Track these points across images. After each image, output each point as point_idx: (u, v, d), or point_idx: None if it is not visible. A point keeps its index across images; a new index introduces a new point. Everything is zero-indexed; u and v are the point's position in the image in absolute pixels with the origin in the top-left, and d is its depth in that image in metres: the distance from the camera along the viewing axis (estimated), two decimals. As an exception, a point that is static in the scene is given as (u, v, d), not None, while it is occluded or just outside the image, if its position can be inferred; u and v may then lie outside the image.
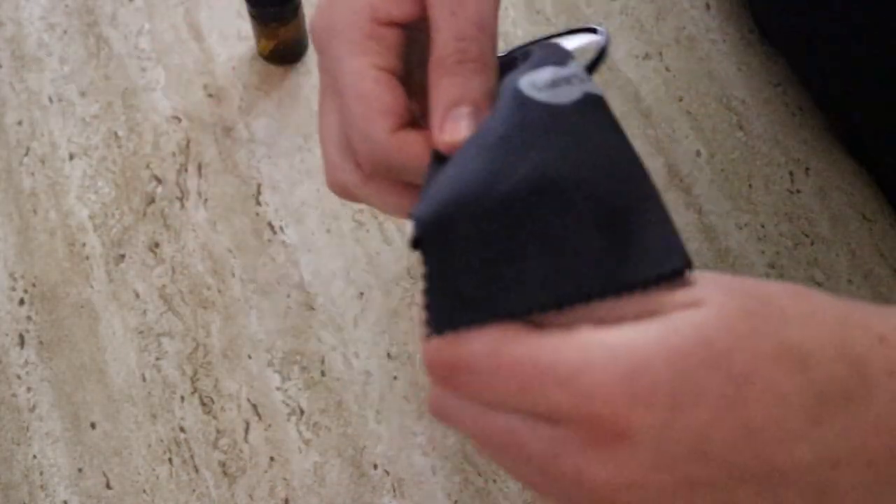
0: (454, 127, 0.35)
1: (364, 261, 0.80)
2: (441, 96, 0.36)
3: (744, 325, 0.27)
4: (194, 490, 0.73)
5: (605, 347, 0.28)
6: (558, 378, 0.28)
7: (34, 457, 0.74)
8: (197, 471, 0.73)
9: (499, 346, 0.29)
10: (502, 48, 0.40)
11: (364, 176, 0.42)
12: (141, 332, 0.78)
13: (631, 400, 0.27)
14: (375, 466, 0.73)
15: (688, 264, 0.31)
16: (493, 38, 0.38)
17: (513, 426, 0.29)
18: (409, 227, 0.83)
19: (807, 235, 0.82)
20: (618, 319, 0.29)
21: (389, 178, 0.41)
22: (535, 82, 0.34)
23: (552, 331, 0.29)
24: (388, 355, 0.77)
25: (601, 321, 0.29)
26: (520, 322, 0.29)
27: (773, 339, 0.28)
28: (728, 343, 0.27)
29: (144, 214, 0.82)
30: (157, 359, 0.77)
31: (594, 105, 0.34)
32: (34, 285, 0.80)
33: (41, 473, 0.73)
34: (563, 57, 0.36)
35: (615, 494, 0.28)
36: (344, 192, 0.44)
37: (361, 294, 0.79)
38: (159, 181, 0.84)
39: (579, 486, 0.29)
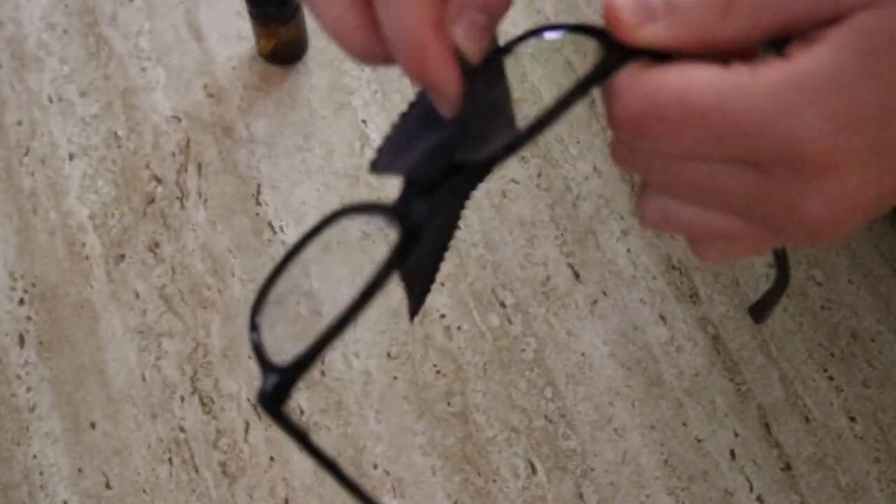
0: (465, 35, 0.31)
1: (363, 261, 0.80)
2: None
3: None
4: (194, 490, 0.73)
5: (794, 86, 0.26)
6: (757, 126, 0.26)
7: (34, 457, 0.74)
8: (197, 471, 0.73)
9: (686, 96, 0.27)
10: (511, 60, 0.38)
11: None
12: (141, 332, 0.78)
13: (838, 132, 0.26)
14: (375, 466, 0.73)
15: None
16: None
17: (712, 173, 0.28)
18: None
19: (807, 235, 0.82)
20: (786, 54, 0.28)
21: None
22: None
23: (737, 70, 0.27)
24: (388, 355, 0.77)
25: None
26: (705, 61, 0.28)
27: None
28: None
29: (144, 214, 0.82)
30: (157, 359, 0.77)
31: None
32: (34, 285, 0.80)
33: (41, 473, 0.73)
34: None
35: (827, 228, 0.28)
36: None
37: (361, 294, 0.79)
38: (159, 181, 0.84)
39: (792, 224, 0.28)
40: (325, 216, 0.32)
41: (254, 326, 0.31)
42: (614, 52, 0.29)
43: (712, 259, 0.32)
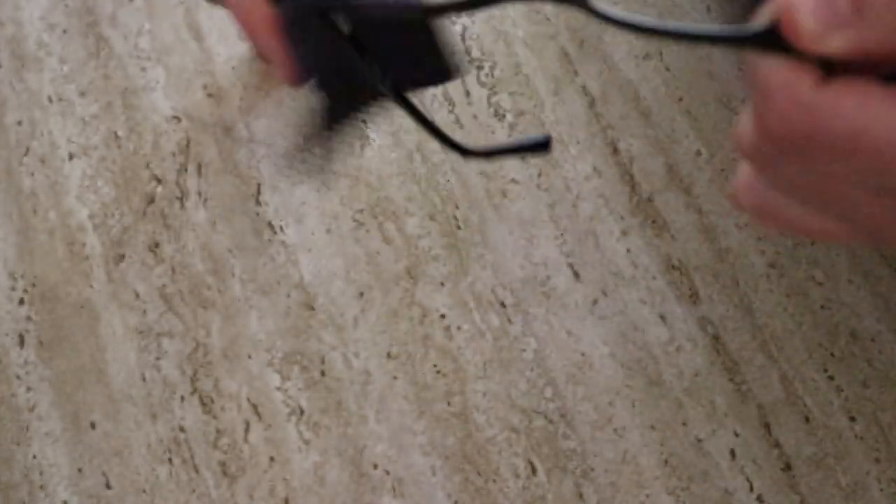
0: None
1: (364, 261, 0.80)
2: None
3: None
4: (194, 490, 0.73)
5: None
6: None
7: (34, 457, 0.74)
8: (197, 470, 0.73)
9: (863, 132, 0.24)
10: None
11: None
12: (141, 332, 0.78)
13: None
14: (375, 466, 0.73)
15: None
16: None
17: (857, 196, 0.26)
18: (409, 226, 0.83)
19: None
20: None
21: None
22: None
23: None
24: (388, 355, 0.77)
25: None
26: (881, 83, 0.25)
27: None
28: None
29: (144, 214, 0.82)
30: (157, 359, 0.77)
31: None
32: (34, 285, 0.80)
33: (41, 473, 0.73)
34: None
35: None
36: None
37: (361, 294, 0.79)
38: (159, 181, 0.84)
39: None
40: None
41: None
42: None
43: (778, 231, 0.30)
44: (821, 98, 0.24)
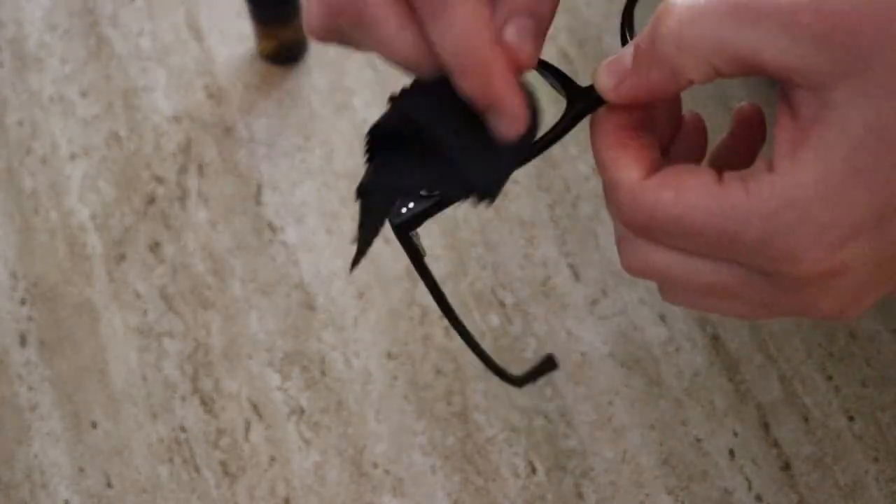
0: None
1: (364, 261, 0.80)
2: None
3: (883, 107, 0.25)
4: (195, 489, 0.73)
5: (783, 204, 0.27)
6: (752, 244, 0.27)
7: (35, 456, 0.74)
8: (198, 470, 0.74)
9: (682, 217, 0.28)
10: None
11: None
12: (142, 332, 0.78)
13: (833, 244, 0.26)
14: (375, 466, 0.73)
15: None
16: None
17: (722, 277, 0.29)
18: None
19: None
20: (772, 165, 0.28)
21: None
22: None
23: (729, 187, 0.28)
24: (388, 355, 0.77)
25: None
26: (698, 172, 0.29)
27: None
28: (887, 120, 0.25)
29: (145, 214, 0.83)
30: (158, 358, 0.77)
31: None
32: (35, 285, 0.80)
33: (42, 473, 0.74)
34: None
35: (846, 312, 0.29)
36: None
37: (361, 294, 0.79)
38: (160, 181, 0.84)
39: (810, 314, 0.30)
40: None
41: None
42: (579, 98, 0.33)
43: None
44: (645, 191, 0.29)
